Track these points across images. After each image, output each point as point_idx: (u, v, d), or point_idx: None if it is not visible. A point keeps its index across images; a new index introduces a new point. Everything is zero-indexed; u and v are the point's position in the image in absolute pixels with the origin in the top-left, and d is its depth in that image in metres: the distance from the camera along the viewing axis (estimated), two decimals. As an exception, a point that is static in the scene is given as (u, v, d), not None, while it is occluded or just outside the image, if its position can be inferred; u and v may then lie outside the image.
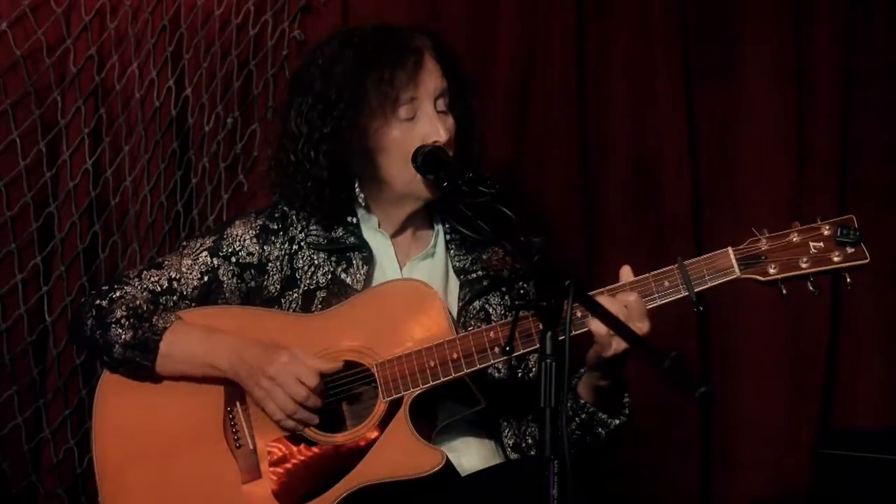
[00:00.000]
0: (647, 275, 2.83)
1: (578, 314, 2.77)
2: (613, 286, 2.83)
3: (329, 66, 3.02)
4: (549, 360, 2.35)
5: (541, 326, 2.39)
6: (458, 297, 3.07)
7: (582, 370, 2.92)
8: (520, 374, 3.09)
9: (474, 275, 3.10)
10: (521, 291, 2.52)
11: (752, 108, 4.02)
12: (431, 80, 3.00)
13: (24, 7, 3.74)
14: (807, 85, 4.00)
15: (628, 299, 2.77)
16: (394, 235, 3.11)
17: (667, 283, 2.81)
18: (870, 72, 4.00)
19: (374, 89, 2.97)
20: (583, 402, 2.92)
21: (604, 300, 2.76)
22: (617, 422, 2.94)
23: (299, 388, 2.85)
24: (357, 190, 3.07)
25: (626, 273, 2.85)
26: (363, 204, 3.09)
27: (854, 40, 3.99)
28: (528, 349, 2.82)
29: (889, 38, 3.99)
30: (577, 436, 2.95)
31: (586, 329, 2.77)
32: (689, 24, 4.02)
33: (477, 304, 3.07)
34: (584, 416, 2.93)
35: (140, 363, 2.96)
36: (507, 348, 2.63)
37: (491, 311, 3.08)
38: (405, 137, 2.98)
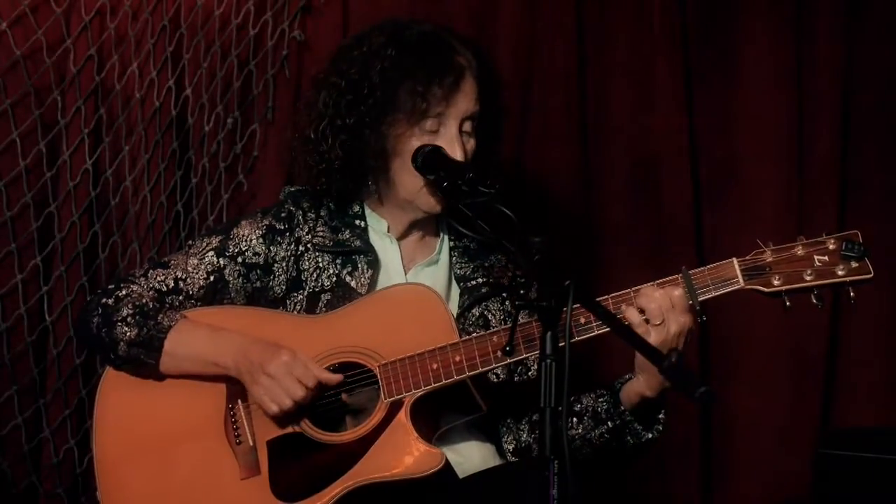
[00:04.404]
0: (652, 283, 2.83)
1: (582, 320, 2.79)
2: (619, 293, 2.84)
3: (370, 58, 3.01)
4: (549, 361, 2.35)
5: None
6: (458, 304, 3.07)
7: (628, 376, 2.93)
8: (516, 378, 3.10)
9: (474, 282, 3.10)
10: (521, 292, 2.51)
11: (752, 108, 4.02)
12: (464, 101, 2.99)
13: (24, 7, 3.74)
14: (807, 85, 4.00)
15: (674, 293, 2.79)
16: (400, 239, 3.11)
17: None
18: (870, 72, 4.00)
19: (405, 97, 2.96)
20: (622, 408, 2.94)
21: (650, 290, 2.80)
22: (650, 436, 2.96)
23: (297, 388, 2.86)
24: (370, 184, 3.08)
25: None
26: (376, 197, 3.09)
27: (854, 40, 3.99)
28: (531, 353, 2.83)
29: (889, 38, 3.99)
30: (604, 439, 2.97)
31: (591, 335, 2.79)
32: (689, 24, 4.02)
33: (476, 310, 3.08)
34: (618, 422, 2.94)
35: (144, 361, 2.96)
36: (507, 348, 2.64)
37: (491, 317, 3.09)
38: None
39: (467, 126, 3.02)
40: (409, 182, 3.01)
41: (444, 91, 2.96)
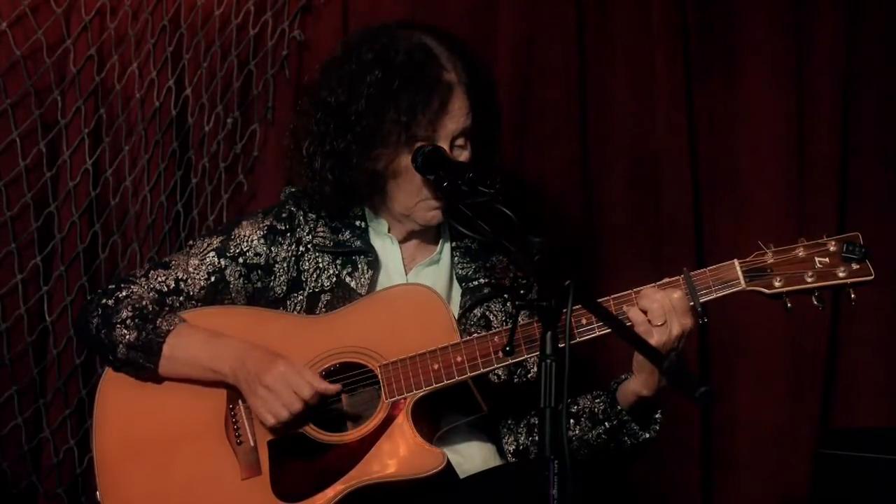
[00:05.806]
0: (653, 284, 2.83)
1: (583, 321, 2.79)
2: (621, 294, 2.84)
3: (357, 79, 2.99)
4: (548, 361, 2.35)
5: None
6: (460, 305, 3.07)
7: (624, 376, 2.93)
8: (516, 380, 3.10)
9: (476, 282, 3.10)
10: (521, 292, 2.51)
11: (752, 108, 4.02)
12: (452, 122, 2.98)
13: (24, 7, 3.75)
14: (807, 85, 4.00)
15: (674, 295, 2.80)
16: (402, 241, 3.11)
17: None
18: (870, 72, 4.00)
19: (391, 126, 2.95)
20: (619, 408, 2.94)
21: (651, 291, 2.80)
22: (647, 436, 2.96)
23: (294, 400, 2.85)
24: (366, 199, 3.08)
25: None
26: (373, 209, 3.10)
27: (854, 40, 3.99)
28: (533, 353, 2.83)
29: (889, 38, 3.99)
30: (602, 440, 2.97)
31: (592, 336, 2.80)
32: (689, 24, 4.01)
33: (478, 311, 3.08)
34: (615, 422, 2.94)
35: (143, 364, 2.97)
36: (507, 349, 2.64)
37: (492, 318, 3.09)
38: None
39: (460, 141, 3.01)
40: (404, 199, 3.02)
41: (429, 117, 2.95)
